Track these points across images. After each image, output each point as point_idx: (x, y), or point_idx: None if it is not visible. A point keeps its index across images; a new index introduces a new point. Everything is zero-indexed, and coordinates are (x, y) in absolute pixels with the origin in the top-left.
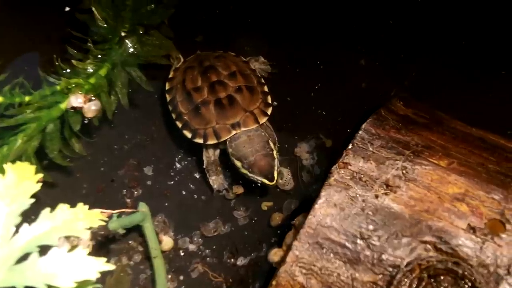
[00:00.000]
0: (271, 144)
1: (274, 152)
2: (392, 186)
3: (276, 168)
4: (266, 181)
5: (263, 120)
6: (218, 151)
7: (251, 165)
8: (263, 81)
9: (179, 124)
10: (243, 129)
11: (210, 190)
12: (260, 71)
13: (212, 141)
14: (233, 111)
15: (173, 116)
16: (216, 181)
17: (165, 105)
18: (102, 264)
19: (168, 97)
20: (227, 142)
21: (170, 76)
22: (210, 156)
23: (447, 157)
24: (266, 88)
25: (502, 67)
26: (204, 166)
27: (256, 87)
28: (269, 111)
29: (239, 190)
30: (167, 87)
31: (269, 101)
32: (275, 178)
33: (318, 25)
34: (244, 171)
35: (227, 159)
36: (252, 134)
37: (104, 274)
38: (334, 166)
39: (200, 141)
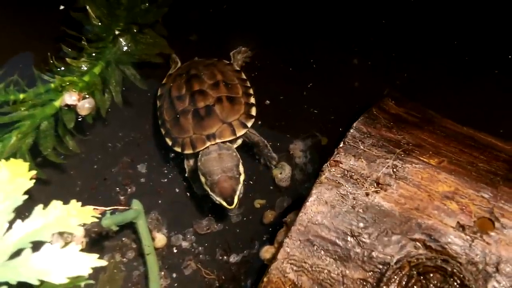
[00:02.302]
0: (240, 168)
1: (241, 177)
2: (382, 184)
3: (238, 193)
4: (224, 204)
5: (241, 132)
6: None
7: (213, 184)
8: (251, 91)
9: (163, 131)
10: (218, 140)
11: (197, 196)
12: (244, 59)
13: (188, 150)
14: (209, 122)
15: (159, 122)
16: (201, 187)
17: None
18: (94, 260)
19: (158, 103)
20: (199, 155)
21: (163, 82)
22: (191, 164)
23: (437, 155)
24: (252, 100)
25: (494, 66)
26: (186, 175)
27: (240, 98)
28: (250, 123)
29: None
30: (158, 93)
31: (253, 113)
32: (235, 203)
33: (311, 24)
34: (206, 188)
35: None
36: (224, 153)
37: (97, 271)
38: (325, 164)
39: (178, 149)
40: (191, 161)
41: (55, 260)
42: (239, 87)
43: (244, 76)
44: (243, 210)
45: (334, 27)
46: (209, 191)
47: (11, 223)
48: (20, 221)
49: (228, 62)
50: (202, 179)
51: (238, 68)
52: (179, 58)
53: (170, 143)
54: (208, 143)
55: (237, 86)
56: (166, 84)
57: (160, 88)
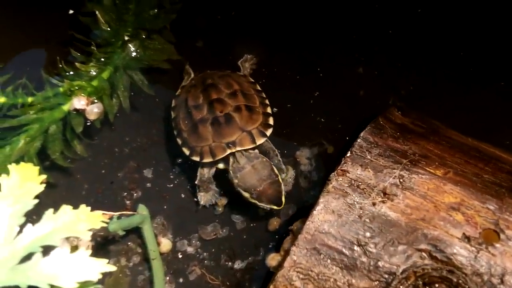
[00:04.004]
0: (275, 170)
1: (279, 177)
2: (389, 194)
3: (283, 193)
4: (275, 207)
5: (260, 140)
6: (213, 170)
7: (260, 195)
8: (267, 102)
9: (179, 141)
10: (238, 148)
11: (197, 204)
12: (251, 66)
13: (207, 159)
14: (229, 130)
15: (175, 133)
16: (205, 197)
17: (166, 109)
18: (103, 265)
19: (172, 114)
20: (231, 173)
21: (177, 93)
22: (204, 174)
23: (443, 166)
24: (269, 110)
25: (500, 78)
26: (196, 182)
27: (258, 107)
28: (269, 132)
29: (223, 201)
30: (172, 104)
31: (270, 122)
32: (283, 202)
33: (318, 33)
34: (253, 201)
35: (222, 178)
36: (256, 162)
37: (103, 275)
38: (333, 173)
39: (197, 158)
40: (205, 170)
41: (65, 264)
42: (256, 97)
43: (259, 87)
44: (248, 217)
45: (340, 36)
46: (257, 203)
47: (22, 227)
48: (30, 225)
49: (242, 73)
50: (246, 194)
51: (252, 80)
52: (184, 63)
53: (187, 152)
54: (228, 151)
55: (253, 96)
56: (180, 95)
57: (174, 100)
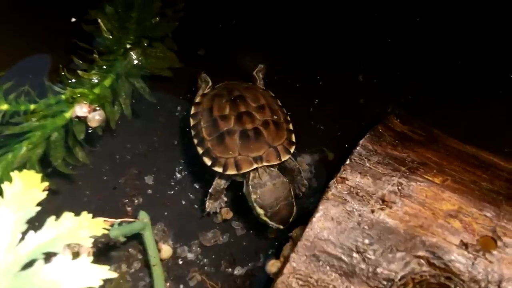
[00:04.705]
0: (292, 192)
1: (294, 200)
2: (388, 202)
3: (294, 215)
4: (281, 227)
5: (285, 157)
6: (229, 182)
7: (274, 214)
8: (289, 118)
9: (200, 150)
10: (264, 163)
11: (201, 210)
12: (262, 75)
13: (231, 171)
14: (257, 144)
15: (195, 141)
16: (212, 205)
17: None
18: (105, 272)
19: (192, 122)
20: (250, 187)
21: (197, 101)
22: (221, 184)
23: (441, 174)
24: (291, 126)
25: (499, 86)
26: (210, 190)
27: (282, 123)
28: (292, 149)
29: (229, 215)
30: (192, 111)
31: (293, 139)
32: (289, 223)
33: (318, 41)
34: (264, 218)
35: (236, 192)
36: (277, 181)
37: (104, 281)
38: (332, 180)
39: (220, 170)
40: (223, 181)
41: (66, 271)
42: (280, 113)
43: (279, 103)
44: (248, 224)
45: (340, 44)
46: (268, 221)
47: (24, 234)
48: (32, 232)
49: (263, 88)
50: (260, 211)
51: (273, 94)
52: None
53: (209, 162)
54: (254, 165)
55: (278, 111)
56: (202, 104)
57: (194, 107)
